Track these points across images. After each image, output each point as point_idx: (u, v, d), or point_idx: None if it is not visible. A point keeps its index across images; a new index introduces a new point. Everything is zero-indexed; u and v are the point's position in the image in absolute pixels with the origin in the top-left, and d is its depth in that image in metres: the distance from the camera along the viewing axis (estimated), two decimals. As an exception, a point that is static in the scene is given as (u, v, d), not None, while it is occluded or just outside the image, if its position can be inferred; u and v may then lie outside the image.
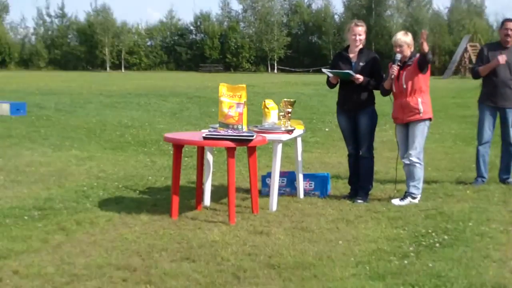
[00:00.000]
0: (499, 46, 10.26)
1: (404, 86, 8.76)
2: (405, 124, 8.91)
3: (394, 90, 8.90)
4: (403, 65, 8.82)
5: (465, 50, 76.35)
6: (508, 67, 10.01)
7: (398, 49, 8.84)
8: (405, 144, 8.99)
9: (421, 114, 8.74)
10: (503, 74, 10.03)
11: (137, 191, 9.35)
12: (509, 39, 10.09)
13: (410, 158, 8.82)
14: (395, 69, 8.78)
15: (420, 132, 8.80)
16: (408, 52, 8.86)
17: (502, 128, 10.39)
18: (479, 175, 10.33)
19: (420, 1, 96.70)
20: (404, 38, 8.88)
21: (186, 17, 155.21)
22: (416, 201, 8.77)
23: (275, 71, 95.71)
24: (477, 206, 8.42)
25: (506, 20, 10.27)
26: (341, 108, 9.30)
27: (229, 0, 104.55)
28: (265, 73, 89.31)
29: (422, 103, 8.73)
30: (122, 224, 7.39)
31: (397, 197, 8.92)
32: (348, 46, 9.27)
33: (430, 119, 8.89)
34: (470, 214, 7.86)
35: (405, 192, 8.92)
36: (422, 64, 8.64)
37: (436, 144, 14.78)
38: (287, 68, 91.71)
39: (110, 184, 9.73)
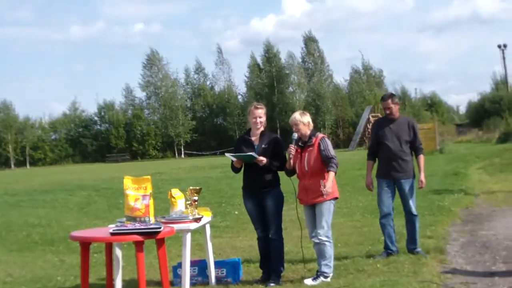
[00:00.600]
0: (386, 119, 10.57)
1: (306, 169, 8.87)
2: (311, 204, 8.99)
3: (297, 171, 9.00)
4: (304, 145, 8.94)
5: (368, 120, 78.09)
6: (398, 139, 10.30)
7: (294, 128, 8.99)
8: (312, 223, 9.05)
9: (324, 196, 8.82)
10: (393, 146, 10.31)
11: (46, 293, 9.12)
12: (389, 112, 10.42)
13: (319, 237, 8.88)
14: (292, 149, 8.92)
15: (327, 211, 8.88)
16: (306, 131, 8.99)
17: (401, 199, 10.61)
18: (385, 247, 10.47)
19: (320, 76, 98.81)
20: (299, 117, 9.02)
21: (90, 108, 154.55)
22: (328, 279, 8.79)
23: (182, 155, 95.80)
24: (388, 279, 8.49)
25: (383, 99, 10.60)
26: (247, 191, 9.34)
27: (132, 88, 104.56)
28: (172, 159, 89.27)
29: (324, 184, 8.82)
30: (31, 330, 7.17)
31: (309, 277, 8.93)
32: (250, 130, 9.37)
33: (336, 198, 8.99)
34: (381, 288, 7.93)
35: (317, 272, 8.95)
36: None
37: (345, 219, 14.93)
38: (195, 152, 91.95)
39: (18, 288, 9.46)
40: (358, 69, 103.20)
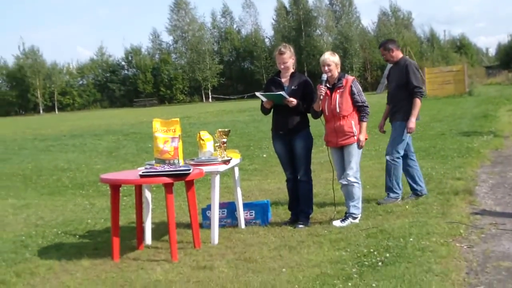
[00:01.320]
0: (393, 65, 10.50)
1: (338, 110, 8.81)
2: (340, 146, 8.96)
3: (326, 113, 8.94)
4: (333, 86, 8.87)
5: (396, 63, 77.33)
6: (393, 83, 10.31)
7: (326, 68, 8.90)
8: (341, 165, 9.04)
9: (355, 137, 8.80)
10: (390, 91, 10.44)
11: (77, 236, 9.20)
12: (386, 59, 10.50)
13: (348, 178, 8.87)
14: (322, 90, 8.84)
15: (356, 152, 8.85)
16: (335, 72, 8.91)
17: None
18: (411, 188, 10.44)
19: (348, 19, 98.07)
20: (331, 57, 8.94)
21: (117, 53, 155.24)
22: (357, 221, 8.80)
23: (210, 100, 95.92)
24: (416, 220, 8.48)
25: (380, 46, 10.48)
26: (276, 133, 9.31)
27: (159, 32, 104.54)
28: (200, 103, 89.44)
29: (355, 125, 8.80)
30: (63, 271, 7.25)
31: (337, 219, 8.94)
32: (280, 71, 9.32)
33: (365, 138, 8.95)
34: (410, 229, 7.91)
35: (346, 213, 8.96)
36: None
37: (373, 161, 14.91)
38: (222, 96, 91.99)
39: (49, 231, 9.55)
40: (386, 11, 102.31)
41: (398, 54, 10.37)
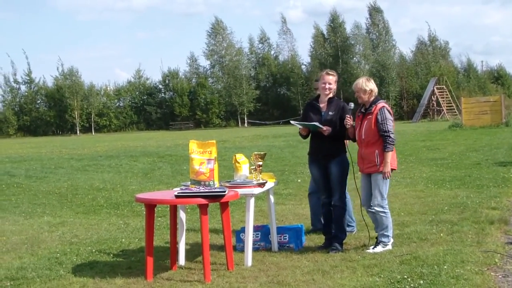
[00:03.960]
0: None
1: (363, 137, 8.80)
2: (367, 173, 8.93)
3: (357, 138, 8.95)
4: (365, 112, 8.86)
5: (433, 92, 77.43)
6: None
7: (356, 95, 8.92)
8: (366, 191, 8.98)
9: (377, 167, 8.74)
10: None
11: (111, 255, 9.26)
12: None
13: (374, 208, 8.83)
14: (348, 119, 8.85)
15: (381, 182, 8.75)
16: (367, 98, 8.89)
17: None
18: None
19: (385, 47, 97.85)
20: (361, 84, 8.92)
21: (154, 76, 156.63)
22: (387, 248, 8.75)
23: (245, 124, 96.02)
24: (451, 248, 8.43)
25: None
26: (313, 157, 9.34)
27: (196, 57, 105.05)
28: (235, 128, 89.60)
29: (379, 154, 8.72)
30: (97, 289, 7.30)
31: (370, 245, 8.91)
32: (319, 96, 9.35)
33: (392, 169, 8.86)
34: (444, 257, 7.86)
35: (376, 239, 8.93)
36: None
37: (408, 189, 14.84)
38: (257, 121, 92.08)
39: (84, 249, 9.63)
40: (424, 40, 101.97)
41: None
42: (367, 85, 8.89)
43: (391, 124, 8.74)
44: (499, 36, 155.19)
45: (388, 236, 8.85)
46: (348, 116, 8.90)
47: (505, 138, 31.36)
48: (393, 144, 8.71)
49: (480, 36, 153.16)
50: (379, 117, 8.70)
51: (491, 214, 10.94)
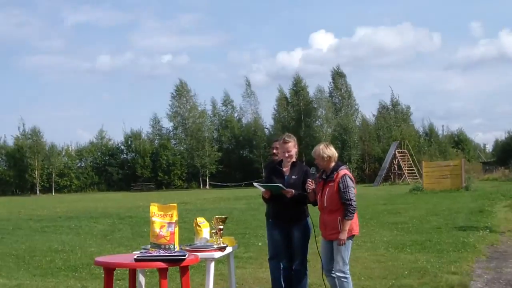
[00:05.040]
0: None
1: (325, 204, 8.82)
2: (329, 240, 8.93)
3: (319, 204, 8.96)
4: (327, 178, 8.89)
5: (394, 156, 78.16)
6: None
7: (315, 161, 8.98)
8: (327, 257, 8.98)
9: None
10: None
11: (68, 319, 9.12)
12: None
13: (336, 273, 8.81)
14: (309, 184, 8.87)
15: (343, 248, 8.75)
16: (327, 165, 8.92)
17: None
18: None
19: (348, 110, 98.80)
20: (319, 151, 8.95)
21: (116, 137, 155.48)
22: None
23: (207, 186, 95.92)
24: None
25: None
26: (274, 221, 9.33)
27: (159, 118, 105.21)
28: (197, 189, 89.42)
29: (341, 221, 8.71)
30: None
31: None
32: (282, 160, 9.38)
33: (353, 235, 8.88)
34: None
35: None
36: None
37: (369, 253, 14.86)
38: (219, 183, 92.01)
39: (40, 313, 9.47)
40: (386, 104, 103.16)
41: None
42: (325, 152, 8.91)
43: (352, 192, 8.76)
44: (459, 101, 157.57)
45: (349, 301, 8.83)
46: (310, 180, 8.92)
47: (465, 203, 31.63)
48: (354, 213, 8.72)
49: (441, 101, 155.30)
50: (341, 185, 8.72)
51: (451, 279, 10.98)
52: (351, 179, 8.86)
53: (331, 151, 8.94)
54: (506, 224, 20.68)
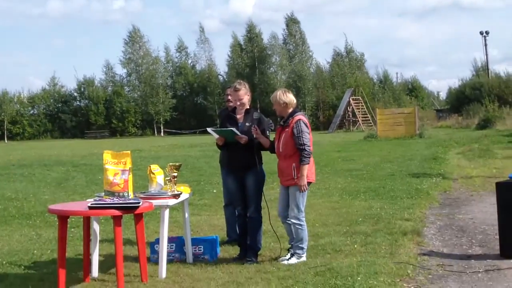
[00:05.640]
0: None
1: (281, 150, 8.85)
2: (286, 186, 8.97)
3: (276, 151, 8.98)
4: (283, 125, 8.89)
5: (348, 103, 78.53)
6: None
7: (273, 107, 8.98)
8: (283, 202, 9.02)
9: (294, 180, 8.78)
10: None
11: (23, 267, 9.06)
12: None
13: (291, 220, 8.86)
14: (253, 129, 8.87)
15: (299, 195, 8.79)
16: (283, 110, 8.92)
17: None
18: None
19: (302, 57, 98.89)
20: (276, 97, 8.94)
21: (69, 84, 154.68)
22: (302, 259, 8.79)
23: (162, 134, 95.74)
24: (365, 259, 8.51)
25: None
26: (228, 168, 9.33)
27: (112, 65, 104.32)
28: (151, 137, 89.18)
29: (296, 167, 8.74)
30: (7, 302, 7.13)
31: (284, 256, 8.94)
32: (235, 108, 9.33)
33: (310, 182, 8.91)
34: (358, 268, 7.93)
35: (289, 250, 8.97)
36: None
37: (323, 199, 14.96)
38: (174, 131, 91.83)
39: (-6, 261, 9.40)
40: (340, 51, 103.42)
41: None
42: (282, 98, 8.90)
43: (307, 137, 8.77)
44: (413, 49, 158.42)
45: (303, 248, 8.89)
46: (254, 126, 8.90)
47: (419, 150, 31.96)
48: (309, 157, 8.74)
49: (395, 49, 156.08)
50: (295, 130, 8.72)
51: (404, 225, 11.08)
52: (305, 124, 8.85)
53: (289, 98, 8.93)
54: (458, 171, 20.94)
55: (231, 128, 8.90)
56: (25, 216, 14.09)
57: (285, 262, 8.70)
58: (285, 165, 8.84)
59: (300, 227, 8.85)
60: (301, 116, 8.92)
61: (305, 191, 8.80)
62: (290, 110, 8.92)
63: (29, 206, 15.59)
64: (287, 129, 8.80)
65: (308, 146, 8.72)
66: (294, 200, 8.81)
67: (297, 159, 8.74)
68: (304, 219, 8.95)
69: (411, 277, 7.69)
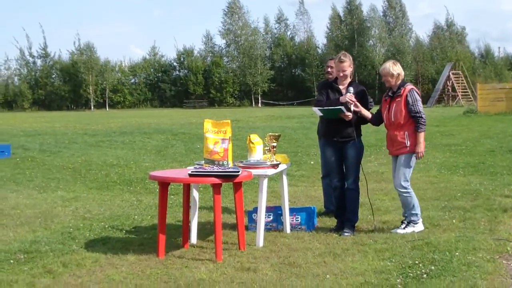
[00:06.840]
0: None
1: (392, 119, 8.83)
2: (396, 155, 8.96)
3: (385, 121, 8.97)
4: (393, 95, 8.88)
5: (448, 78, 77.07)
6: None
7: (383, 79, 8.96)
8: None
9: (407, 148, 8.78)
10: None
11: (124, 231, 9.30)
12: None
13: (397, 188, 8.89)
14: (348, 97, 8.88)
15: (406, 163, 8.80)
16: (394, 82, 8.91)
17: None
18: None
19: (401, 30, 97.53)
20: (388, 68, 8.94)
21: (169, 54, 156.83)
22: (418, 227, 8.83)
23: (259, 105, 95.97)
24: (463, 235, 8.42)
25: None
26: (328, 139, 9.31)
27: (212, 35, 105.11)
28: (249, 107, 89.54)
29: (409, 136, 8.78)
30: (109, 265, 7.33)
31: (399, 227, 8.94)
32: (337, 78, 9.31)
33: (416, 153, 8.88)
34: (456, 243, 7.86)
35: (404, 221, 8.96)
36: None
37: (421, 174, 14.80)
38: (271, 102, 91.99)
39: (96, 225, 9.67)
40: (441, 24, 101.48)
41: None
42: (394, 69, 8.95)
43: (421, 105, 8.87)
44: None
45: (416, 214, 8.91)
46: (350, 93, 8.90)
47: (520, 125, 31.22)
48: (425, 125, 8.81)
49: (497, 22, 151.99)
50: (409, 99, 8.76)
51: (504, 202, 10.91)
52: (417, 93, 8.94)
53: (399, 69, 9.01)
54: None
55: (340, 107, 8.86)
56: (126, 182, 14.44)
57: (400, 231, 8.72)
58: (397, 133, 8.83)
59: (408, 194, 8.85)
60: (412, 86, 8.97)
61: (422, 157, 8.85)
62: (400, 81, 8.92)
63: (130, 173, 15.97)
64: (398, 99, 8.79)
65: (424, 114, 8.75)
66: (402, 169, 8.83)
67: (410, 127, 8.79)
68: (410, 187, 8.92)
69: (511, 254, 7.56)
